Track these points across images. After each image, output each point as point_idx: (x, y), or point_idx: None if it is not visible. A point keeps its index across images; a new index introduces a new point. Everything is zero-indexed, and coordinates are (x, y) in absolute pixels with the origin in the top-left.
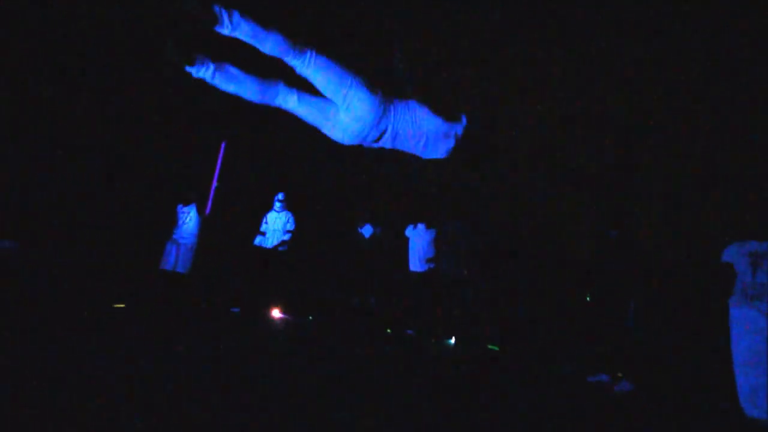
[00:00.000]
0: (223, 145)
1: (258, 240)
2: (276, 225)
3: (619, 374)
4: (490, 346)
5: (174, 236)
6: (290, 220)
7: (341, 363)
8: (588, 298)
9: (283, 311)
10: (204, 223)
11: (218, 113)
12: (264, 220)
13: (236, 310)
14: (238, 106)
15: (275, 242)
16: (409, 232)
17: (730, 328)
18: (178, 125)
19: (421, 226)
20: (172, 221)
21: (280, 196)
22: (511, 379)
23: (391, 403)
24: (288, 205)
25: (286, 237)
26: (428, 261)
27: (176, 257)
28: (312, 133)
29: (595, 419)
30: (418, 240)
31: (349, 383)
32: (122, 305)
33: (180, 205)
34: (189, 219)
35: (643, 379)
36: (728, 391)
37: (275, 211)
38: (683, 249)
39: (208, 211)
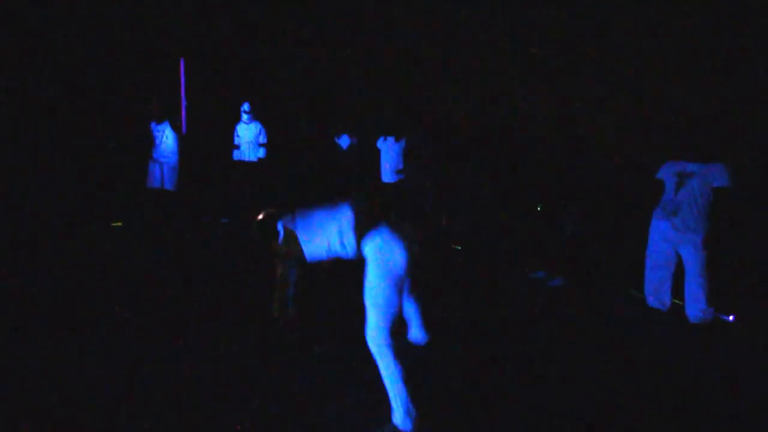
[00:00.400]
0: (182, 62)
1: (235, 155)
2: (248, 137)
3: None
4: (454, 246)
5: (154, 155)
6: (262, 133)
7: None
8: (539, 208)
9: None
10: (182, 140)
11: (173, 33)
12: (235, 133)
13: (226, 220)
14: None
15: (250, 155)
16: (380, 143)
17: (649, 235)
18: (137, 48)
19: (390, 139)
20: (149, 141)
21: (245, 106)
22: (470, 275)
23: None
24: (256, 116)
25: (262, 153)
26: (398, 172)
27: (161, 176)
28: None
29: (531, 306)
30: (389, 152)
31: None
32: (119, 223)
33: (153, 123)
34: (165, 137)
35: (574, 275)
36: (640, 286)
37: (244, 122)
38: (626, 166)
39: (184, 129)
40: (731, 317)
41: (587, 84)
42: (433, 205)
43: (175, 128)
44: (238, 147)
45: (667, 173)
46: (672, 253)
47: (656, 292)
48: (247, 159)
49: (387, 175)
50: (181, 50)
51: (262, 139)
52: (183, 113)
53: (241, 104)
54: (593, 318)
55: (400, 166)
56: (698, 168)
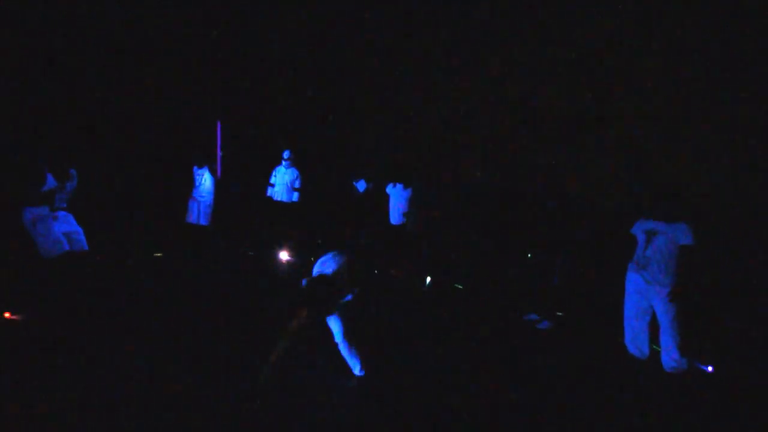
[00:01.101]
0: (218, 124)
1: (269, 191)
2: (284, 179)
3: (558, 313)
4: (456, 285)
5: (194, 194)
6: (297, 179)
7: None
8: (529, 255)
9: (289, 254)
10: (218, 183)
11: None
12: (273, 173)
13: (252, 253)
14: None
15: (283, 196)
16: (389, 189)
17: (625, 287)
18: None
19: (399, 186)
20: (191, 182)
21: (286, 154)
22: (467, 315)
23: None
24: (294, 162)
25: (295, 197)
26: (405, 215)
27: (198, 212)
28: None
29: (522, 345)
30: (397, 197)
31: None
32: (160, 254)
33: (195, 167)
34: (204, 180)
35: (562, 319)
36: (621, 333)
37: (283, 167)
38: (604, 220)
39: (219, 174)
40: (710, 368)
41: (578, 146)
42: (431, 247)
43: (213, 172)
44: (273, 186)
45: (638, 230)
46: (646, 304)
47: (634, 341)
48: (279, 198)
49: (395, 217)
50: (220, 111)
51: (297, 185)
52: (219, 161)
53: (282, 151)
54: (575, 362)
55: (407, 210)
56: (664, 227)
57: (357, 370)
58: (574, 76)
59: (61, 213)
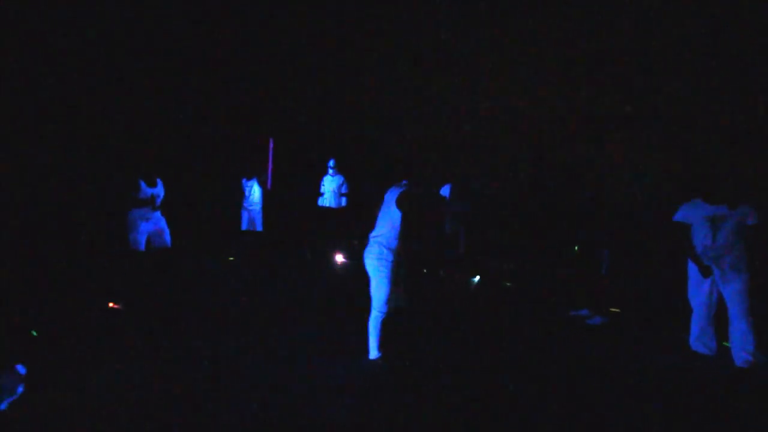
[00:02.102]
0: (271, 142)
1: (320, 200)
2: (331, 186)
3: (613, 309)
4: (504, 283)
5: (244, 204)
6: (344, 184)
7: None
8: (576, 248)
9: (345, 257)
10: (266, 193)
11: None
12: (321, 183)
13: (307, 255)
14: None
15: (332, 202)
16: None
17: (689, 280)
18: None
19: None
20: (241, 193)
21: (331, 162)
22: (516, 311)
23: None
24: (340, 169)
25: (343, 202)
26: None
27: (250, 220)
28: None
29: (572, 343)
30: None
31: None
32: (232, 258)
33: (244, 179)
34: (253, 191)
35: (616, 314)
36: (686, 328)
37: (329, 175)
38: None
39: (270, 186)
40: None
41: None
42: (464, 245)
43: (261, 184)
44: (322, 195)
45: (695, 218)
46: (716, 295)
47: (701, 336)
48: (329, 205)
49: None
50: (272, 129)
51: (344, 190)
52: (269, 174)
53: (327, 160)
54: (632, 359)
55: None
56: (729, 212)
57: (372, 354)
58: (606, 73)
59: (156, 214)
